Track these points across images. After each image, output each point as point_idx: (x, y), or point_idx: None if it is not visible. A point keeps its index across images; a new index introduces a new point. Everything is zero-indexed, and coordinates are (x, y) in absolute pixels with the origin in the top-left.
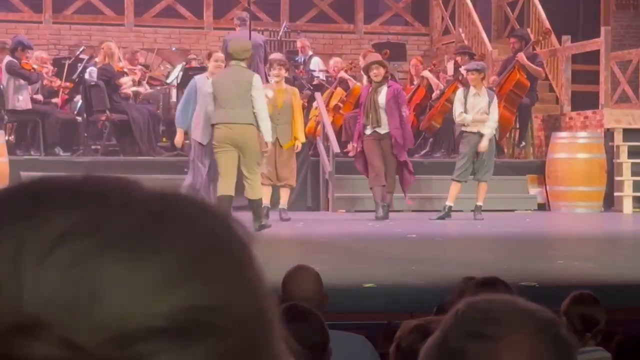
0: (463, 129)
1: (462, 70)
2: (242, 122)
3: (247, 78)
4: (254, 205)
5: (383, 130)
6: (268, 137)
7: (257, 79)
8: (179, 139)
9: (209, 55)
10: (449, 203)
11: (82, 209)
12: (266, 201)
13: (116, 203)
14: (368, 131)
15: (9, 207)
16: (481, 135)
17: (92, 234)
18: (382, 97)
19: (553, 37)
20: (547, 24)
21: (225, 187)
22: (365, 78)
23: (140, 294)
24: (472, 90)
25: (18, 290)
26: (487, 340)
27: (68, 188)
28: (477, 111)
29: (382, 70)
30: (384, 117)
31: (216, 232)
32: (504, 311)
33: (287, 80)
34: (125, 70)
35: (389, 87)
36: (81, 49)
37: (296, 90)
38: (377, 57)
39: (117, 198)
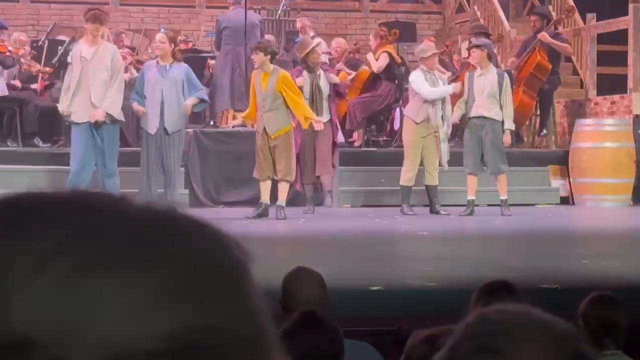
0: (468, 114)
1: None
2: None
3: None
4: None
5: (325, 118)
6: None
7: None
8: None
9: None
10: (470, 197)
11: (72, 225)
12: (265, 197)
13: (107, 219)
14: None
15: None
16: (486, 120)
17: (83, 251)
18: (323, 83)
19: (577, 15)
20: (571, 1)
21: None
22: (371, 59)
23: (134, 313)
24: (477, 71)
25: (8, 309)
26: (497, 355)
27: (57, 203)
28: (483, 94)
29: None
30: (325, 105)
31: (211, 250)
32: (517, 323)
33: (286, 64)
34: None
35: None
36: (49, 28)
37: (282, 72)
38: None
39: (108, 213)
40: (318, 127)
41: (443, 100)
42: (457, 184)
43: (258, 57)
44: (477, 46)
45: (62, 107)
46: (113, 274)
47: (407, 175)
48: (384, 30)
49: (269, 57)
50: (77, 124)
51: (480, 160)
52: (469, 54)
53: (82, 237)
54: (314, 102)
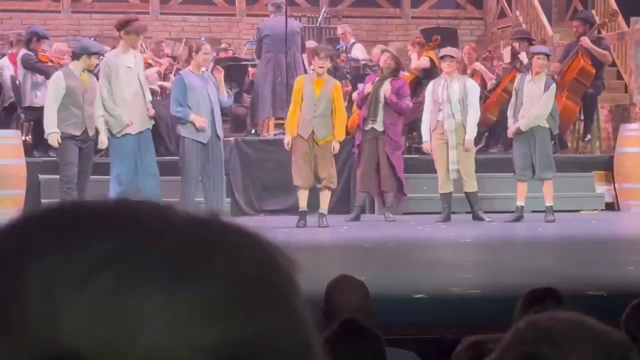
0: (515, 118)
1: (520, 57)
2: None
3: None
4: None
5: (380, 127)
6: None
7: None
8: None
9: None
10: (519, 203)
11: (118, 236)
12: (303, 204)
13: (153, 229)
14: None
15: (41, 235)
16: (536, 127)
17: (129, 263)
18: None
19: (621, 19)
20: (614, 5)
21: None
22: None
23: (181, 325)
24: (528, 77)
25: (54, 322)
26: None
27: (101, 214)
28: (532, 101)
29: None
30: (380, 113)
31: (258, 260)
32: (565, 331)
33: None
34: (150, 61)
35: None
36: (92, 38)
37: (336, 82)
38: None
39: (153, 224)
40: (334, 149)
41: (464, 106)
42: (502, 190)
43: (326, 64)
44: (547, 55)
45: (117, 127)
46: (159, 286)
47: (439, 183)
48: (419, 37)
49: (331, 65)
50: (130, 135)
51: (528, 166)
52: (532, 60)
53: (127, 248)
54: (370, 106)
